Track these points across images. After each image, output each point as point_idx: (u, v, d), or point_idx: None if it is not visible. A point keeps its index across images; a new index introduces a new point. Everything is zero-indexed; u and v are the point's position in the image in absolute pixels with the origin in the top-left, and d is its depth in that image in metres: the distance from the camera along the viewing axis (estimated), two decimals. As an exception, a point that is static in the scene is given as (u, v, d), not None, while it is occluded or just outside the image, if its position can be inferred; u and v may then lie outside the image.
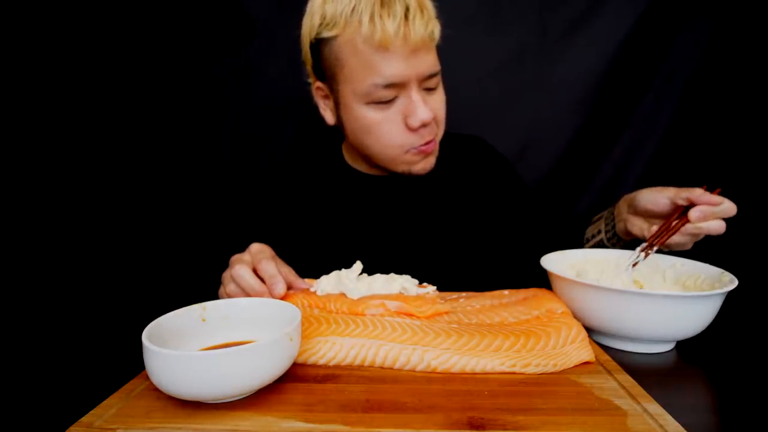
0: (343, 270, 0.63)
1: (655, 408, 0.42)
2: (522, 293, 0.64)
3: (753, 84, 1.04)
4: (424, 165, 0.77)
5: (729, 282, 0.56)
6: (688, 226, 0.61)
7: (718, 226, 0.61)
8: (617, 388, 0.46)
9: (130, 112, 1.06)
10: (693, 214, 0.60)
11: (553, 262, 0.65)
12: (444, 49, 1.07)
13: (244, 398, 0.44)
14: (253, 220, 0.88)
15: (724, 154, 1.09)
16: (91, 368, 0.61)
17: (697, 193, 0.61)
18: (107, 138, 1.04)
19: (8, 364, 0.67)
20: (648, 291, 0.53)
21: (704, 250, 0.68)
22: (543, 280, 0.65)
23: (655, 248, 0.64)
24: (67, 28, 0.97)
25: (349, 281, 0.61)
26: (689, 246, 0.65)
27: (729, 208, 0.61)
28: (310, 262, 0.68)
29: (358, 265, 0.63)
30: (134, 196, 1.08)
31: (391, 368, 0.50)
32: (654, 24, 1.08)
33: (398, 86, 0.69)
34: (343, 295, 0.60)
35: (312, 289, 0.63)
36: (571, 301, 0.59)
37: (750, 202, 1.02)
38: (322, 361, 0.50)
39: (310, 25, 0.71)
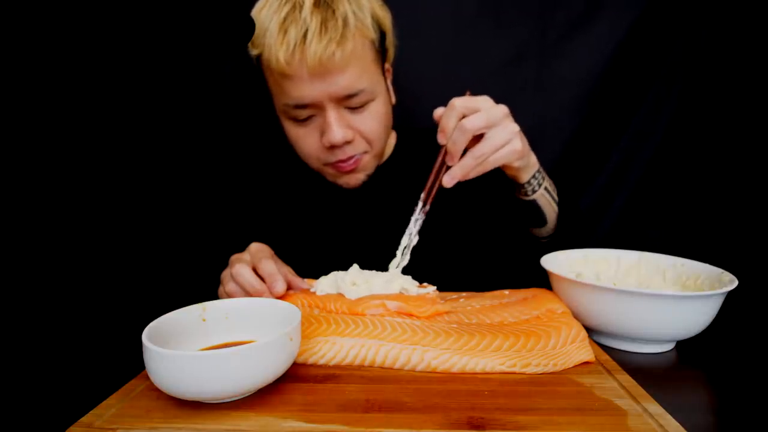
0: (341, 272, 0.63)
1: (655, 408, 0.42)
2: (522, 293, 0.64)
3: (752, 84, 1.04)
4: (347, 180, 0.78)
5: (729, 282, 0.56)
6: (448, 146, 0.60)
7: (460, 131, 0.59)
8: (617, 388, 0.46)
9: (130, 113, 1.06)
10: (439, 136, 0.60)
11: (553, 262, 0.66)
12: (444, 50, 1.07)
13: (244, 398, 0.44)
14: (251, 220, 0.88)
15: (724, 154, 1.09)
16: (91, 368, 0.61)
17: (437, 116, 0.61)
18: (107, 138, 1.04)
19: (8, 364, 0.67)
20: (648, 291, 0.53)
21: (704, 250, 0.68)
22: (543, 280, 0.65)
23: (427, 205, 0.64)
24: (67, 28, 0.97)
25: (347, 283, 0.61)
26: (510, 150, 0.62)
27: (456, 105, 0.60)
28: (308, 263, 0.68)
29: (355, 268, 0.63)
30: (134, 196, 1.08)
31: (391, 368, 0.50)
32: (653, 24, 1.08)
33: (312, 106, 0.70)
34: (342, 295, 0.60)
35: (312, 290, 0.63)
36: (571, 301, 0.59)
37: (750, 202, 1.03)
38: (322, 361, 0.50)
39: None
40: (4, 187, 0.90)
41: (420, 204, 0.64)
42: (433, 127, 0.92)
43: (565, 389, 0.46)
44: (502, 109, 0.62)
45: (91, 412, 0.42)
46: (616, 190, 1.15)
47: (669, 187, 1.15)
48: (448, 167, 0.62)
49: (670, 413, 0.41)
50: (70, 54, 0.97)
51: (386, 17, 0.75)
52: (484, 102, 0.61)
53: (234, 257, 0.62)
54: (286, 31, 0.65)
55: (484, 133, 0.60)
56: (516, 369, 0.49)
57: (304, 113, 0.71)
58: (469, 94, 0.62)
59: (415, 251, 0.80)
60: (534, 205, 0.72)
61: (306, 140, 0.74)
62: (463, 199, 0.86)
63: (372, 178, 0.81)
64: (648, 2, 1.07)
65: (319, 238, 0.83)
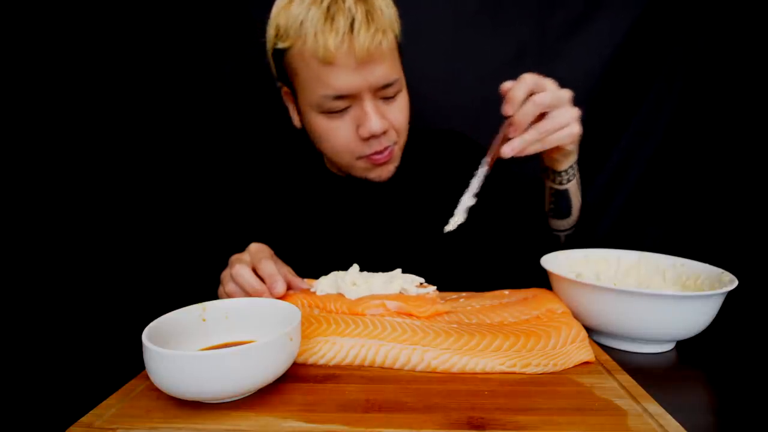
0: (341, 272, 0.64)
1: (655, 408, 0.42)
2: (522, 293, 0.64)
3: (752, 84, 1.04)
4: (380, 173, 0.77)
5: (729, 282, 0.56)
6: (515, 119, 0.60)
7: (531, 106, 0.59)
8: (617, 388, 0.46)
9: (130, 113, 1.06)
10: (506, 107, 0.60)
11: (553, 262, 0.66)
12: (444, 50, 1.07)
13: (244, 398, 0.44)
14: (251, 220, 0.88)
15: (724, 154, 1.09)
16: (91, 368, 0.61)
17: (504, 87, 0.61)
18: (108, 138, 1.04)
19: (8, 364, 0.67)
20: (648, 291, 0.53)
21: (704, 250, 0.69)
22: (543, 280, 0.65)
23: (489, 166, 0.63)
24: (68, 28, 0.97)
25: (347, 283, 0.61)
26: (562, 139, 0.62)
27: (525, 80, 0.59)
28: (308, 263, 0.68)
29: (354, 268, 0.63)
30: (135, 195, 1.08)
31: (391, 368, 0.50)
32: (653, 24, 1.08)
33: (350, 97, 0.69)
34: (342, 295, 0.60)
35: (312, 290, 0.63)
36: (571, 301, 0.59)
37: (750, 202, 1.03)
38: (322, 361, 0.50)
39: (269, 33, 0.72)
40: (4, 187, 0.90)
41: (484, 166, 0.64)
42: (436, 128, 0.92)
43: (565, 389, 0.46)
44: (567, 93, 0.62)
45: (91, 412, 0.42)
46: (616, 190, 1.15)
47: (669, 187, 1.15)
48: (507, 139, 0.62)
49: (670, 413, 0.41)
50: (71, 54, 0.97)
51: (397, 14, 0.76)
52: (552, 83, 0.61)
53: (234, 257, 0.62)
54: (333, 20, 0.64)
55: (546, 113, 0.61)
56: (516, 369, 0.49)
57: (341, 104, 0.70)
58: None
59: (415, 251, 0.81)
60: (565, 194, 0.74)
61: (339, 133, 0.73)
62: (454, 195, 0.86)
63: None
64: (648, 2, 1.07)
65: (323, 237, 0.83)
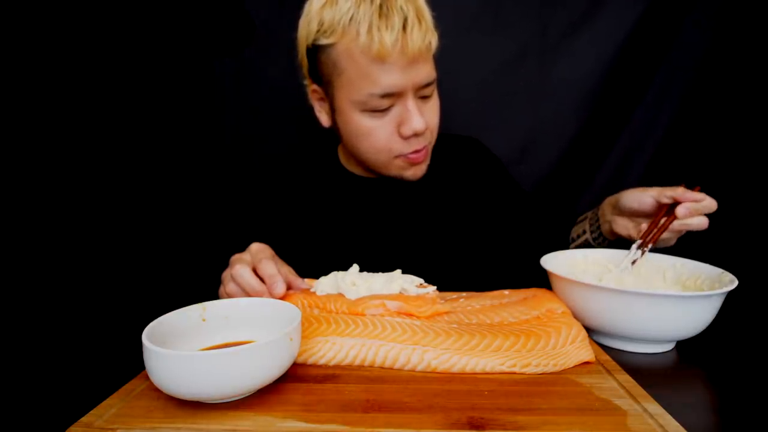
0: (341, 272, 0.63)
1: (655, 408, 0.42)
2: (522, 293, 0.64)
3: (753, 84, 1.04)
4: (415, 172, 0.77)
5: (729, 282, 0.56)
6: (675, 222, 0.64)
7: (701, 222, 0.64)
8: (617, 388, 0.46)
9: (130, 113, 1.06)
10: (680, 210, 0.63)
11: (553, 262, 0.66)
12: (445, 50, 1.07)
13: (244, 398, 0.44)
14: (252, 220, 0.88)
15: (724, 154, 1.08)
16: (91, 368, 0.61)
17: (680, 191, 0.64)
18: (107, 138, 1.04)
19: (8, 364, 0.67)
20: (648, 291, 0.53)
21: (704, 250, 0.69)
22: (543, 280, 0.65)
23: (650, 246, 0.66)
24: (66, 27, 0.97)
25: (347, 283, 0.61)
26: (673, 242, 0.68)
27: (710, 204, 0.64)
28: (309, 263, 0.68)
29: (354, 268, 0.63)
30: (134, 196, 1.08)
31: (391, 368, 0.50)
32: (654, 24, 1.08)
33: (394, 95, 0.70)
34: (342, 295, 0.60)
35: (312, 290, 0.63)
36: (571, 301, 0.59)
37: (750, 202, 1.03)
38: (322, 361, 0.50)
39: (307, 29, 0.71)
40: (4, 187, 0.90)
41: (640, 248, 0.67)
42: (462, 135, 0.93)
43: (565, 389, 0.46)
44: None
45: (91, 412, 0.42)
46: (616, 189, 1.15)
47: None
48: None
49: (670, 413, 0.41)
50: (69, 53, 0.97)
51: None
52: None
53: (234, 257, 0.62)
54: (387, 17, 0.65)
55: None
56: (516, 369, 0.49)
57: (386, 103, 0.70)
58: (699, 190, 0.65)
59: (412, 252, 0.81)
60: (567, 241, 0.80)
61: (381, 131, 0.72)
62: (464, 200, 0.86)
63: (401, 184, 0.81)
64: (648, 2, 1.07)
65: (324, 237, 0.83)
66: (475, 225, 0.86)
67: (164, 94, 1.08)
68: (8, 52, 0.90)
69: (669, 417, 0.40)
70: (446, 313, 0.58)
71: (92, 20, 0.99)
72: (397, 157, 0.74)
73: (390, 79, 0.67)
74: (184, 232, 1.11)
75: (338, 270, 0.65)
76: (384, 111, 0.71)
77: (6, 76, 0.90)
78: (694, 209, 0.63)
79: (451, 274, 0.74)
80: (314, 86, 0.77)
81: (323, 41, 0.69)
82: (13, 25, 0.90)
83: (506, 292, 0.65)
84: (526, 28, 1.10)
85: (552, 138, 1.14)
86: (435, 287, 0.63)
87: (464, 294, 0.67)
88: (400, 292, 0.60)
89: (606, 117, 1.12)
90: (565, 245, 0.82)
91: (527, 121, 1.14)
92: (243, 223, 0.90)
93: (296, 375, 0.48)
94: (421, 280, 0.64)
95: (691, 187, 0.65)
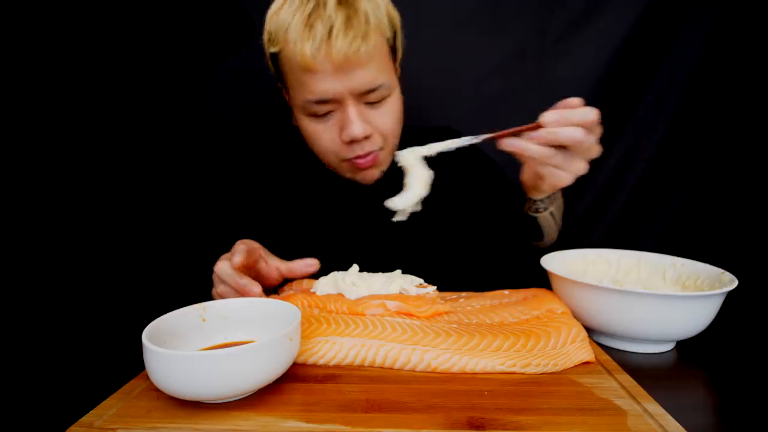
0: (340, 272, 0.64)
1: (655, 408, 0.42)
2: (522, 293, 0.64)
3: (753, 84, 1.04)
4: (364, 176, 0.78)
5: (729, 282, 0.56)
6: (541, 131, 0.57)
7: (571, 134, 0.56)
8: (617, 388, 0.46)
9: (130, 113, 1.06)
10: (546, 116, 0.57)
11: (553, 262, 0.65)
12: (444, 50, 1.07)
13: (244, 398, 0.44)
14: (250, 220, 0.88)
15: (724, 154, 1.09)
16: (91, 368, 0.61)
17: (561, 103, 0.58)
18: (107, 138, 1.04)
19: (8, 364, 0.67)
20: (648, 291, 0.53)
21: (704, 250, 0.69)
22: (543, 280, 0.65)
23: (483, 137, 0.59)
24: (65, 27, 0.97)
25: (347, 283, 0.61)
26: (562, 181, 0.61)
27: (585, 112, 0.57)
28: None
29: (354, 268, 0.63)
30: (134, 196, 1.07)
31: (391, 368, 0.50)
32: (654, 24, 1.08)
33: (332, 102, 0.70)
34: (342, 295, 0.60)
35: (312, 290, 0.63)
36: (571, 301, 0.59)
37: (750, 202, 1.03)
38: (322, 361, 0.50)
39: (264, 37, 0.73)
40: (4, 187, 0.90)
41: (476, 138, 0.61)
42: (435, 126, 0.92)
43: (565, 389, 0.46)
44: (597, 150, 0.61)
45: (91, 412, 0.42)
46: (616, 189, 1.15)
47: (669, 187, 1.15)
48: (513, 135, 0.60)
49: (670, 413, 0.41)
50: (70, 54, 0.97)
51: (397, 17, 0.76)
52: (596, 129, 0.60)
53: (221, 257, 0.63)
54: (311, 27, 0.65)
55: (568, 147, 0.59)
56: (516, 369, 0.49)
57: (324, 108, 0.71)
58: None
59: (415, 251, 0.81)
60: (534, 221, 0.73)
61: (324, 136, 0.74)
62: (464, 199, 0.86)
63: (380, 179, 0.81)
64: (648, 2, 1.07)
65: (322, 237, 0.83)
66: (457, 214, 0.85)
67: (163, 94, 1.08)
68: (8, 52, 0.90)
69: (669, 417, 0.40)
70: (446, 313, 0.58)
71: (92, 20, 0.99)
72: (343, 161, 0.76)
73: (321, 86, 0.68)
74: (185, 232, 1.11)
75: (337, 270, 0.65)
76: (325, 116, 0.72)
77: (5, 76, 0.90)
78: (563, 118, 0.56)
79: (451, 274, 0.74)
80: (283, 88, 0.80)
81: (271, 49, 0.72)
82: (12, 25, 0.90)
83: (506, 292, 0.65)
84: (525, 27, 1.10)
85: (552, 138, 1.14)
86: (435, 287, 0.63)
87: (464, 294, 0.67)
88: (400, 292, 0.60)
89: (606, 117, 1.12)
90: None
91: (526, 120, 1.13)
92: (241, 223, 0.90)
93: (296, 375, 0.48)
94: (421, 280, 0.64)
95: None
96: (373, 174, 0.79)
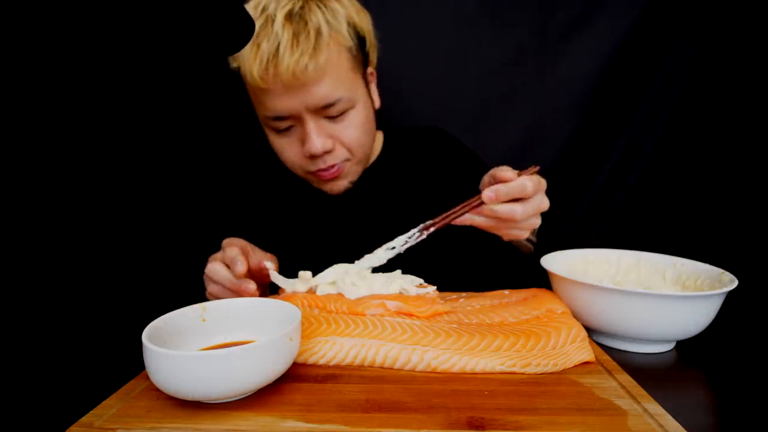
0: (342, 265, 0.64)
1: (655, 408, 0.42)
2: (522, 293, 0.64)
3: (752, 84, 1.04)
4: (331, 187, 0.78)
5: (729, 282, 0.56)
6: (483, 208, 0.57)
7: (509, 210, 0.55)
8: (617, 388, 0.46)
9: (129, 113, 1.06)
10: (485, 194, 0.55)
11: (553, 262, 0.66)
12: (444, 50, 1.07)
13: (244, 398, 0.44)
14: (248, 220, 0.88)
15: (723, 154, 1.09)
16: (91, 368, 0.61)
17: (504, 172, 0.56)
18: (107, 138, 1.04)
19: (8, 363, 0.67)
20: (648, 291, 0.53)
21: (704, 250, 0.69)
22: (543, 280, 0.65)
23: (432, 229, 0.58)
24: (65, 27, 0.97)
25: (347, 283, 0.61)
26: (521, 234, 0.60)
27: (519, 186, 0.55)
28: (301, 264, 0.68)
29: (355, 268, 0.63)
30: (134, 196, 1.07)
31: (391, 368, 0.50)
32: (653, 25, 1.08)
33: (290, 117, 0.70)
34: (342, 295, 0.60)
35: (309, 285, 0.63)
36: (571, 301, 0.59)
37: (749, 202, 1.03)
38: (322, 361, 0.50)
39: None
40: (4, 187, 0.90)
41: (420, 232, 0.61)
42: (420, 125, 0.92)
43: (565, 389, 0.46)
44: (545, 203, 0.59)
45: (91, 412, 0.42)
46: (616, 189, 1.15)
47: (669, 187, 1.15)
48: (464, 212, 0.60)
49: (670, 413, 0.41)
50: (69, 53, 0.97)
51: (364, 21, 0.74)
52: (539, 185, 0.59)
53: (210, 257, 0.63)
54: (258, 46, 0.65)
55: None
56: (516, 369, 0.49)
57: (283, 124, 0.72)
58: (536, 171, 0.59)
59: (416, 251, 0.81)
60: (508, 246, 0.75)
61: (287, 150, 0.75)
62: (463, 199, 0.86)
63: (360, 181, 0.81)
64: (648, 2, 1.07)
65: (309, 240, 0.83)
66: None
67: (163, 94, 1.08)
68: (8, 52, 0.90)
69: (669, 417, 0.40)
70: (446, 313, 0.58)
71: (91, 20, 0.99)
72: (308, 173, 0.76)
73: (275, 104, 0.68)
74: (185, 233, 1.11)
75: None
76: (287, 130, 0.73)
77: (5, 76, 0.90)
78: (501, 193, 0.55)
79: (451, 274, 0.74)
80: None
81: (233, 65, 0.73)
82: (12, 25, 0.90)
83: (506, 292, 0.65)
84: (525, 29, 1.09)
85: (551, 138, 1.14)
86: (435, 287, 0.63)
87: (464, 294, 0.67)
88: (400, 292, 0.60)
89: (605, 117, 1.12)
90: (561, 243, 0.82)
91: (526, 121, 1.14)
92: (240, 224, 0.90)
93: (296, 375, 0.48)
94: (421, 280, 0.64)
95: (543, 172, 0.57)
96: (340, 185, 0.78)
